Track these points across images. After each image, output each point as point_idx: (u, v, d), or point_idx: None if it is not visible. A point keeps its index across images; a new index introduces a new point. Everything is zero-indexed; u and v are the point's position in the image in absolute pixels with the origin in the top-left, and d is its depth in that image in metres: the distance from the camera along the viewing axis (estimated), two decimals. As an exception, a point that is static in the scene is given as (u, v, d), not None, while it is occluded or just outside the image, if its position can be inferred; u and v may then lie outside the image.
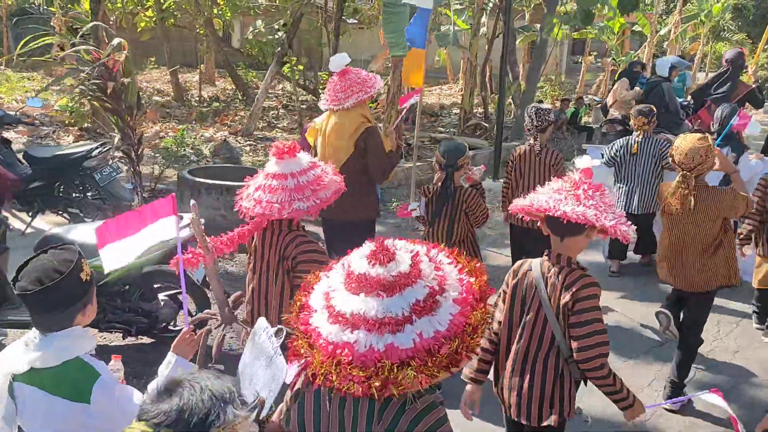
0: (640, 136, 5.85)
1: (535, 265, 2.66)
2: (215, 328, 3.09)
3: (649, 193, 5.79)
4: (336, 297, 1.61)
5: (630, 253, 6.42)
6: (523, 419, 2.67)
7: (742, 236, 4.63)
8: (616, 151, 5.95)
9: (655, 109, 6.04)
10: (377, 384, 1.50)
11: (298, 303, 1.73)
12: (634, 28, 17.48)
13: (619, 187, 5.99)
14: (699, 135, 3.85)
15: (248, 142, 9.86)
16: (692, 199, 3.80)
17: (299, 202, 2.72)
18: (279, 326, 1.90)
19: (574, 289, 2.51)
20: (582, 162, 2.67)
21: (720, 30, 18.33)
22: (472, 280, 1.65)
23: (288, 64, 15.25)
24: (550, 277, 2.59)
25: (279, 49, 9.84)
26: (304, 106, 13.46)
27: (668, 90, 7.71)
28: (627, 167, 5.91)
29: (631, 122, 6.03)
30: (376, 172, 4.48)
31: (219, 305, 3.07)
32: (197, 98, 14.29)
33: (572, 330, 2.52)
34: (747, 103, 7.90)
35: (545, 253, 2.67)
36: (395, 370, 1.50)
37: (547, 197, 2.54)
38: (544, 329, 2.60)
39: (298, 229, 2.91)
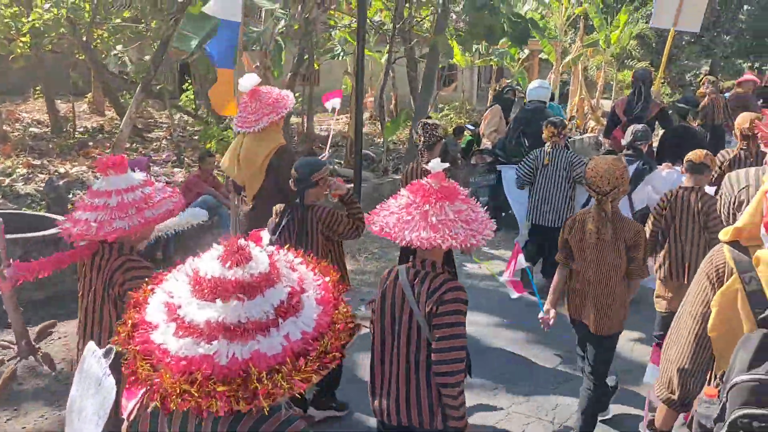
0: (551, 147, 5.86)
1: (402, 273, 2.65)
2: (9, 360, 3.01)
3: (562, 205, 5.74)
4: (184, 307, 1.48)
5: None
6: (415, 423, 2.65)
7: None
8: (529, 164, 5.97)
9: (558, 125, 5.95)
10: (246, 396, 1.39)
11: (130, 322, 1.57)
12: (541, 56, 17.49)
13: (531, 200, 5.95)
14: (614, 156, 3.70)
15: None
16: (609, 227, 3.56)
17: (120, 220, 2.57)
18: (109, 346, 1.80)
19: (438, 294, 2.53)
20: (434, 164, 2.61)
21: (625, 57, 18.56)
22: (327, 279, 1.64)
23: (186, 93, 14.50)
24: (416, 283, 2.59)
25: (145, 75, 8.93)
26: (196, 137, 12.63)
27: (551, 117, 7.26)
28: (538, 180, 5.86)
29: (544, 134, 6.00)
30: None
31: (16, 337, 2.94)
32: (81, 129, 13.26)
33: (433, 332, 2.54)
34: (656, 122, 7.73)
35: (410, 260, 2.66)
36: (265, 379, 1.41)
37: (396, 218, 2.51)
38: (419, 336, 2.60)
39: (130, 252, 2.75)
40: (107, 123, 14.19)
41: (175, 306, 1.50)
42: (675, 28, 7.94)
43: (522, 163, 6.10)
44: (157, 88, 11.10)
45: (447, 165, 2.72)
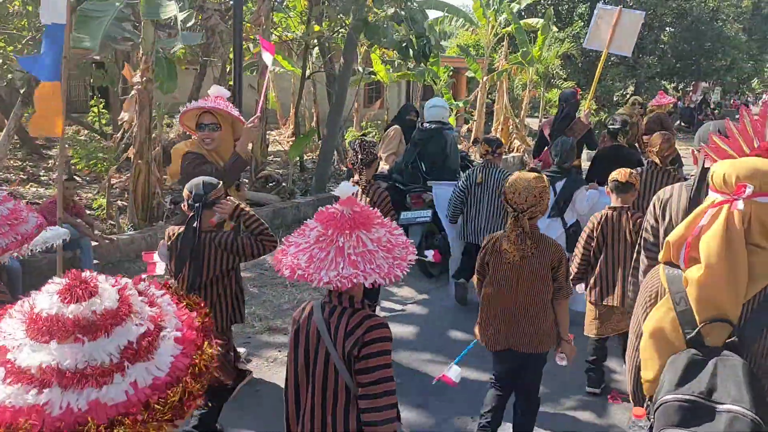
0: (484, 165, 5.72)
1: (317, 309, 2.41)
2: None
3: (496, 223, 5.58)
4: (16, 350, 1.28)
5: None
6: None
7: (572, 276, 4.39)
8: (464, 183, 5.80)
9: (493, 143, 5.80)
10: None
11: None
12: (468, 74, 17.35)
13: (465, 219, 5.79)
14: (536, 174, 3.59)
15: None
16: (529, 245, 3.40)
17: None
18: None
19: (359, 334, 2.30)
20: (342, 189, 2.35)
21: (551, 77, 18.62)
22: (194, 315, 1.46)
23: (94, 108, 13.68)
24: (332, 322, 2.35)
25: (25, 88, 8.16)
26: (101, 154, 11.88)
27: (451, 139, 6.89)
28: (473, 198, 5.70)
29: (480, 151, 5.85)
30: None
31: None
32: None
33: (358, 377, 2.30)
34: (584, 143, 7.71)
35: (326, 294, 2.41)
36: None
37: (308, 257, 2.23)
38: (336, 380, 2.35)
39: None
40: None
41: (6, 348, 1.31)
42: (608, 50, 7.80)
43: (453, 192, 5.88)
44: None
45: (357, 189, 2.51)
